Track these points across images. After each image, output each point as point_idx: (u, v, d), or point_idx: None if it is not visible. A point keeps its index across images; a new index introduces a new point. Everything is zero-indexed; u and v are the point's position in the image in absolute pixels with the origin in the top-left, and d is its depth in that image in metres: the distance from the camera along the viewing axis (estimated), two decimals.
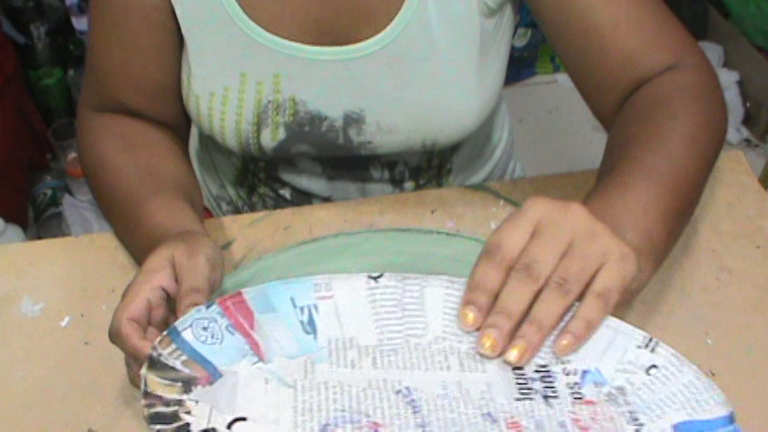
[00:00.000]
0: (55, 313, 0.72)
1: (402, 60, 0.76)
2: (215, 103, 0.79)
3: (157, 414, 0.49)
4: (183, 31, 0.77)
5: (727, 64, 2.03)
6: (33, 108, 1.89)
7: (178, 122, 0.85)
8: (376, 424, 0.50)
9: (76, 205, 1.82)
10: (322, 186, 0.90)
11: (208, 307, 0.54)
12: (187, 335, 0.53)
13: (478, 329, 0.54)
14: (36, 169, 1.90)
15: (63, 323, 0.72)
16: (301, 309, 0.56)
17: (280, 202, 0.93)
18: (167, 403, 0.49)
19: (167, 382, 0.50)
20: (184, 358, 0.52)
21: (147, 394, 0.49)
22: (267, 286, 0.56)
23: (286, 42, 0.76)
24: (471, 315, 0.54)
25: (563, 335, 0.53)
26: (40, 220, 1.83)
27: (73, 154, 1.83)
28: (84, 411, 0.65)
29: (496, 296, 0.54)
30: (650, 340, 0.54)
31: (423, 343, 0.55)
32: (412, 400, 0.51)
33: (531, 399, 0.52)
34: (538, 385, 0.53)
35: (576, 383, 0.53)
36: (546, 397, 0.52)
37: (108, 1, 0.77)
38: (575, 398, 0.52)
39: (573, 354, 0.54)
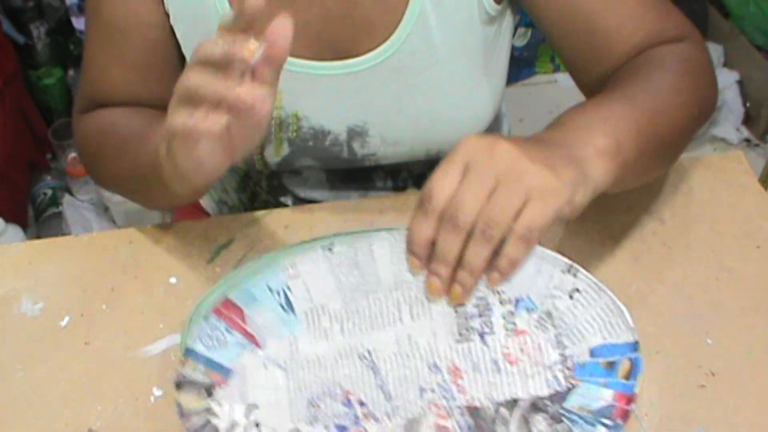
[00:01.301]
0: (55, 313, 0.72)
1: (404, 72, 0.76)
2: None
3: (195, 429, 0.55)
4: (183, 49, 0.77)
5: (727, 64, 2.02)
6: (33, 108, 1.89)
7: None
8: (347, 392, 0.58)
9: (76, 205, 1.82)
10: (325, 194, 0.89)
11: (206, 319, 0.60)
12: (198, 348, 0.59)
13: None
14: (36, 169, 1.90)
15: (63, 323, 0.72)
16: (278, 293, 0.63)
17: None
18: (199, 414, 0.56)
19: (195, 395, 0.57)
20: (202, 368, 0.58)
21: (183, 415, 0.56)
22: (246, 282, 0.63)
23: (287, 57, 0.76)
24: (416, 263, 0.59)
25: (491, 272, 0.57)
26: (40, 220, 1.83)
27: (73, 154, 1.83)
28: (84, 411, 0.65)
29: (434, 243, 0.57)
30: (571, 265, 0.59)
31: (380, 297, 0.61)
32: (373, 362, 0.59)
33: (469, 340, 0.58)
34: (476, 323, 0.59)
35: (511, 312, 0.59)
36: (482, 335, 0.59)
37: (105, 21, 0.76)
38: (509, 330, 0.59)
39: (506, 284, 0.58)
